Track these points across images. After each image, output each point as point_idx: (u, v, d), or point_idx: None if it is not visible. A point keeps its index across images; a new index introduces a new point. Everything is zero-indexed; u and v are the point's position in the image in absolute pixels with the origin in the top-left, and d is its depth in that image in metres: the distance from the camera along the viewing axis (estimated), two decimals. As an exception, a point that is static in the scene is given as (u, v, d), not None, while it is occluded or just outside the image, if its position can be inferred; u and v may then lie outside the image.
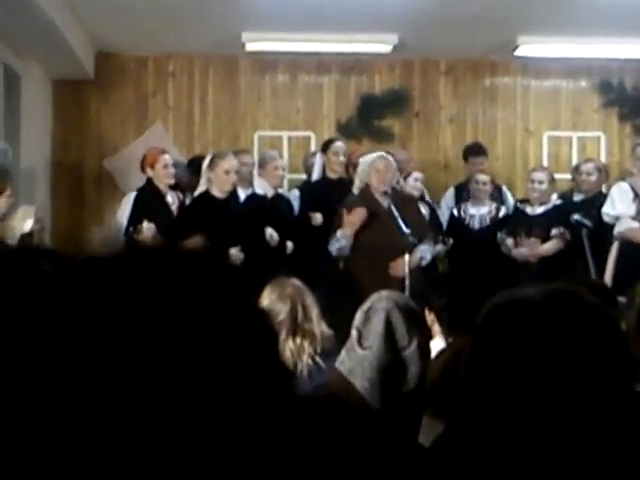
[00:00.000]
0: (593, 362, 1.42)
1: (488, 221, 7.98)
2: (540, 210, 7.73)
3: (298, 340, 3.72)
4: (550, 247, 7.56)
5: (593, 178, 8.08)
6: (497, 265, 7.52)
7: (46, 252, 0.82)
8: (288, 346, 3.67)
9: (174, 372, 0.75)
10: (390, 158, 7.13)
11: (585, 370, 1.41)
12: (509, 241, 7.67)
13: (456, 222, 8.04)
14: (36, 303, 0.75)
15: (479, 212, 8.02)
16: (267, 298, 3.73)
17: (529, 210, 7.79)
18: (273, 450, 0.79)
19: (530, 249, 7.56)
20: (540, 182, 7.74)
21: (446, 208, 8.42)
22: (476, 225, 7.99)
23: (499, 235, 7.73)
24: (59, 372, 0.73)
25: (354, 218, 6.70)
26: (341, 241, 6.74)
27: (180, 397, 0.74)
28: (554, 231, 7.56)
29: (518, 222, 7.75)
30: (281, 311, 3.73)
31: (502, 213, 8.03)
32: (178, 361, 0.75)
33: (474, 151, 8.84)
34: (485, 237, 7.81)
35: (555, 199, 7.94)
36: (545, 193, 7.75)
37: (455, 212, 8.12)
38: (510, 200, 8.42)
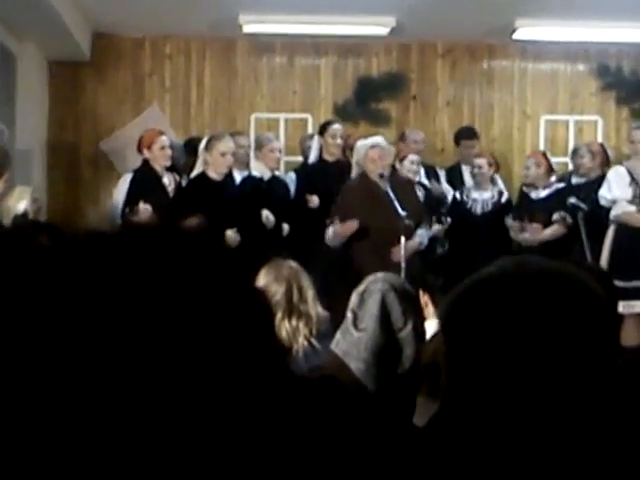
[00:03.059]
0: (571, 335, 1.41)
1: (490, 206, 7.95)
2: (543, 194, 7.72)
3: (294, 322, 3.73)
4: (552, 232, 7.54)
5: (585, 160, 8.09)
6: (499, 250, 7.50)
7: (45, 227, 0.82)
8: (284, 327, 3.68)
9: (171, 349, 0.75)
10: (384, 144, 7.12)
11: (564, 344, 1.40)
12: (515, 225, 7.67)
13: (458, 206, 8.01)
14: (35, 278, 0.75)
15: (482, 197, 7.99)
16: (263, 279, 3.73)
17: (533, 194, 7.79)
18: (268, 428, 0.80)
19: (532, 234, 7.53)
20: (527, 167, 7.79)
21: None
22: (478, 210, 7.96)
23: (507, 220, 7.71)
24: (57, 344, 0.73)
25: (345, 231, 6.73)
26: (333, 241, 6.84)
27: (177, 374, 0.75)
28: (555, 216, 7.54)
29: (522, 206, 7.75)
30: (277, 292, 3.73)
31: (505, 198, 8.00)
32: (175, 339, 0.75)
33: (466, 134, 8.84)
34: (487, 222, 7.79)
35: (555, 181, 7.91)
36: (536, 177, 7.74)
37: (457, 196, 8.09)
38: (501, 186, 8.36)
